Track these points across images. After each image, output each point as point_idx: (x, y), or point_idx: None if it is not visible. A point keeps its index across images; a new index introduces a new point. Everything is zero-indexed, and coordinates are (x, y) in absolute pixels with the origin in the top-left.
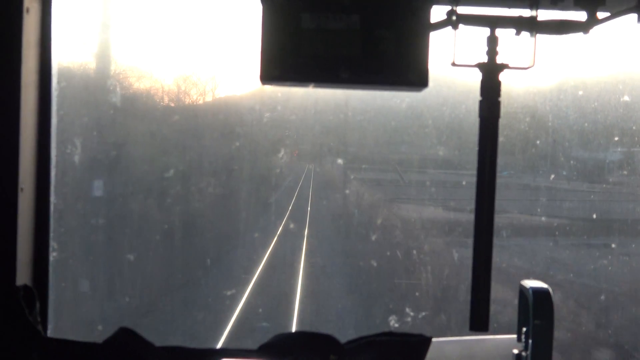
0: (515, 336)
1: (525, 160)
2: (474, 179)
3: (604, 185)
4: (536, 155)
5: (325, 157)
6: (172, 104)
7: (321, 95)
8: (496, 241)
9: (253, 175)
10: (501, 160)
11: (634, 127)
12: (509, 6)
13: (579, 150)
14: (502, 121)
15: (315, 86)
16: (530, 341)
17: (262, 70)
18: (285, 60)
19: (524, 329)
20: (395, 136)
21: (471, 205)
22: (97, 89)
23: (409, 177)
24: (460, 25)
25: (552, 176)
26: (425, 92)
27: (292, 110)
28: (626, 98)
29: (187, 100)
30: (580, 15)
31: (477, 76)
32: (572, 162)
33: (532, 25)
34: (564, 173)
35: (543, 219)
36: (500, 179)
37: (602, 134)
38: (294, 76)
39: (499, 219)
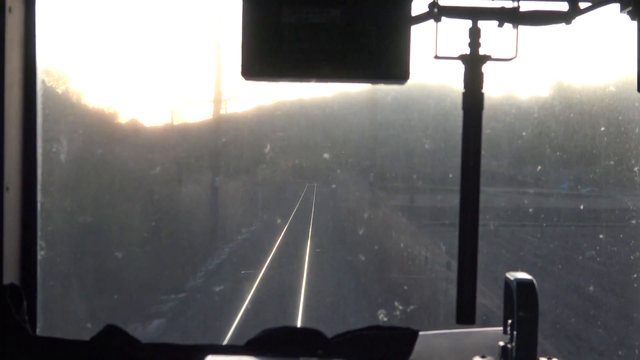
0: (501, 328)
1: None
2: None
3: None
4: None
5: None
6: None
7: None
8: None
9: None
10: (566, 173)
11: None
12: None
13: None
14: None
15: (297, 81)
16: (515, 333)
17: (244, 66)
18: (266, 55)
19: (509, 321)
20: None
21: None
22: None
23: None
24: (443, 18)
25: None
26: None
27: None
28: None
29: None
30: (563, 6)
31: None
32: None
33: (514, 16)
34: None
35: None
36: (581, 200)
37: None
38: (276, 71)
39: None
